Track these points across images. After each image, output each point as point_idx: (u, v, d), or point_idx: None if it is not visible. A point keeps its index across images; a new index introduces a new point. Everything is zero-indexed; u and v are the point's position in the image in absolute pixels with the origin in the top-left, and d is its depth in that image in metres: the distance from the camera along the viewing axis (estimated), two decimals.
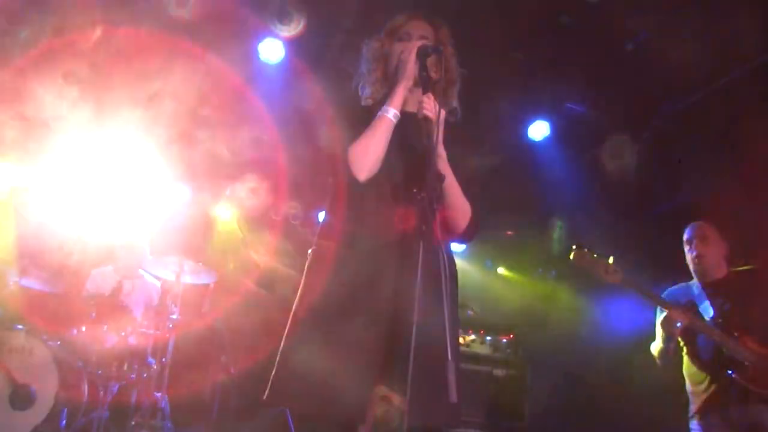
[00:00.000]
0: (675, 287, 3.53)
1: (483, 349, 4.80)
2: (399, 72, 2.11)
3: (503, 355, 4.82)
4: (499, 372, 4.69)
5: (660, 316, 3.36)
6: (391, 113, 2.07)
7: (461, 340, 4.76)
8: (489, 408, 4.55)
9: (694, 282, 3.48)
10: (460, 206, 2.13)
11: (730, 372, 3.11)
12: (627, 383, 5.73)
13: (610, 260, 3.16)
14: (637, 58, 4.61)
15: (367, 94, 2.30)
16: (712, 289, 3.37)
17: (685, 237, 3.53)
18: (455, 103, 2.30)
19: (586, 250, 3.19)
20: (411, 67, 2.08)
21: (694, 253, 3.44)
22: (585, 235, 6.18)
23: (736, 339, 3.13)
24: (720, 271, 3.45)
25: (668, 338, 3.25)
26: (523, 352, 4.94)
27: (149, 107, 5.99)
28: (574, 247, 3.20)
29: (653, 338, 3.47)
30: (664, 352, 3.34)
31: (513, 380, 4.71)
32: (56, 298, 5.03)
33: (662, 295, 3.43)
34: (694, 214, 3.66)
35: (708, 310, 3.30)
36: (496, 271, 7.79)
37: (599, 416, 5.79)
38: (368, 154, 2.02)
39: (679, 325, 3.16)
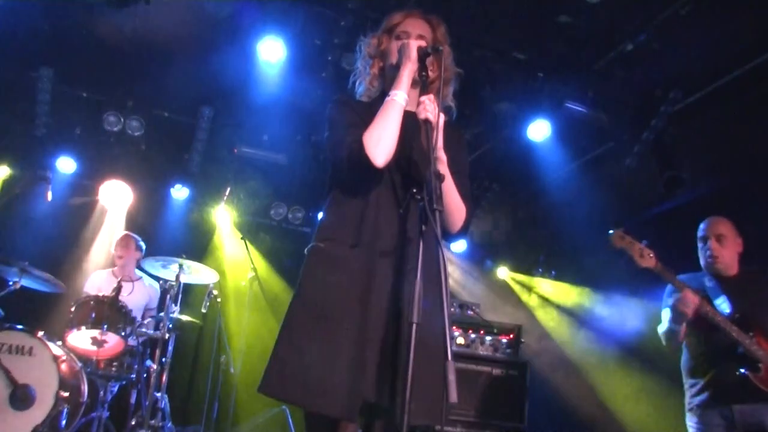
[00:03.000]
0: (685, 275, 3.45)
1: (483, 349, 4.78)
2: (402, 56, 2.10)
3: (503, 355, 4.80)
4: (499, 372, 4.68)
5: (670, 299, 3.32)
6: (399, 97, 2.05)
7: (461, 340, 4.75)
8: (489, 408, 4.54)
9: (705, 274, 3.43)
10: (456, 207, 2.12)
11: (743, 371, 3.07)
12: (627, 383, 5.74)
13: (645, 244, 3.16)
14: (637, 58, 4.61)
15: (361, 91, 2.30)
16: (727, 285, 3.32)
17: (699, 233, 3.46)
18: (451, 102, 2.30)
19: (623, 232, 3.19)
20: (413, 51, 2.08)
21: (709, 253, 3.39)
22: (585, 235, 6.19)
23: (752, 338, 3.09)
24: (733, 268, 3.40)
25: (678, 319, 3.20)
26: (523, 352, 4.93)
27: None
28: (611, 231, 3.20)
29: (657, 327, 3.44)
30: (670, 333, 3.30)
31: (513, 380, 4.69)
32: (57, 298, 5.04)
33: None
34: (694, 214, 3.64)
35: (724, 306, 3.24)
36: (496, 270, 7.79)
37: (599, 416, 5.80)
38: (384, 139, 2.00)
39: (690, 305, 3.10)
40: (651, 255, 3.14)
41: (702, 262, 3.45)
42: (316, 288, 2.00)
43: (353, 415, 1.83)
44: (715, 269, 3.39)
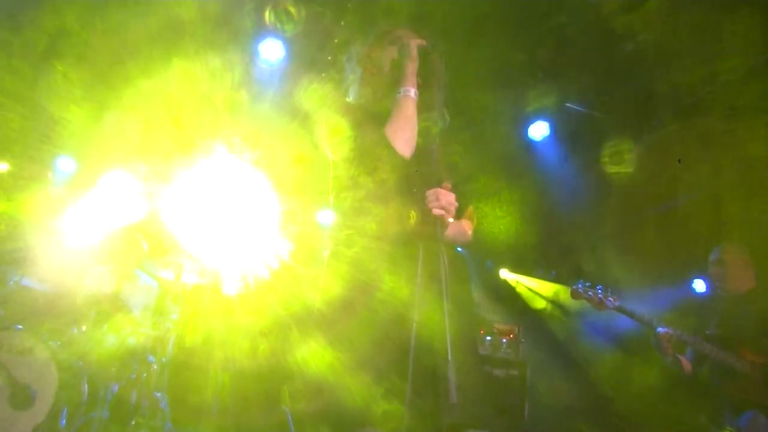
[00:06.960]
0: (703, 293, 3.74)
1: (483, 349, 4.79)
2: (402, 55, 2.14)
3: (503, 355, 4.81)
4: (499, 372, 4.69)
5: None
6: (411, 92, 2.09)
7: None
8: (489, 408, 4.55)
9: (718, 296, 3.59)
10: (464, 239, 2.19)
11: (715, 382, 3.26)
12: (626, 383, 5.73)
13: (604, 291, 3.34)
14: (637, 58, 4.61)
15: (353, 98, 2.31)
16: (727, 304, 3.46)
17: (710, 258, 3.63)
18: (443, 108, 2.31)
19: (580, 287, 3.37)
20: (414, 49, 2.11)
21: (712, 279, 3.59)
22: (585, 235, 6.19)
23: (733, 352, 3.21)
24: (741, 288, 3.49)
25: (664, 355, 3.36)
26: (523, 352, 4.94)
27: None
28: (571, 288, 3.40)
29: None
30: (666, 363, 3.44)
31: (513, 380, 4.70)
32: (56, 298, 5.03)
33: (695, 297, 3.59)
34: (694, 214, 3.70)
35: (711, 324, 3.41)
36: (496, 271, 7.79)
37: (599, 416, 5.80)
38: (407, 131, 2.04)
39: (666, 339, 3.29)
40: (610, 298, 3.32)
41: None
42: (326, 295, 2.03)
43: (369, 419, 1.84)
44: (721, 293, 3.54)
